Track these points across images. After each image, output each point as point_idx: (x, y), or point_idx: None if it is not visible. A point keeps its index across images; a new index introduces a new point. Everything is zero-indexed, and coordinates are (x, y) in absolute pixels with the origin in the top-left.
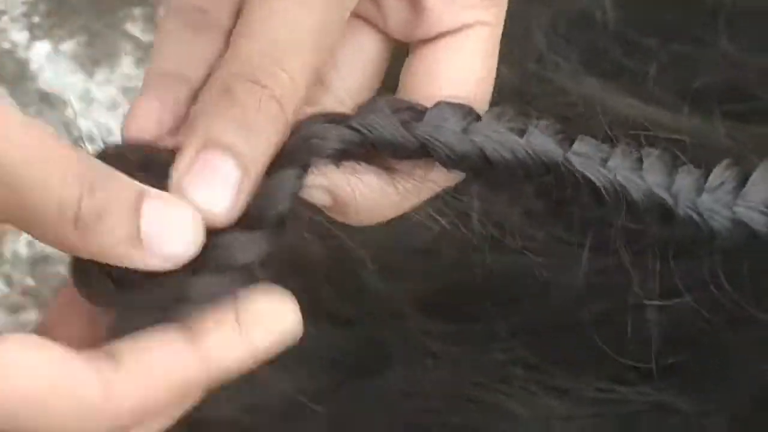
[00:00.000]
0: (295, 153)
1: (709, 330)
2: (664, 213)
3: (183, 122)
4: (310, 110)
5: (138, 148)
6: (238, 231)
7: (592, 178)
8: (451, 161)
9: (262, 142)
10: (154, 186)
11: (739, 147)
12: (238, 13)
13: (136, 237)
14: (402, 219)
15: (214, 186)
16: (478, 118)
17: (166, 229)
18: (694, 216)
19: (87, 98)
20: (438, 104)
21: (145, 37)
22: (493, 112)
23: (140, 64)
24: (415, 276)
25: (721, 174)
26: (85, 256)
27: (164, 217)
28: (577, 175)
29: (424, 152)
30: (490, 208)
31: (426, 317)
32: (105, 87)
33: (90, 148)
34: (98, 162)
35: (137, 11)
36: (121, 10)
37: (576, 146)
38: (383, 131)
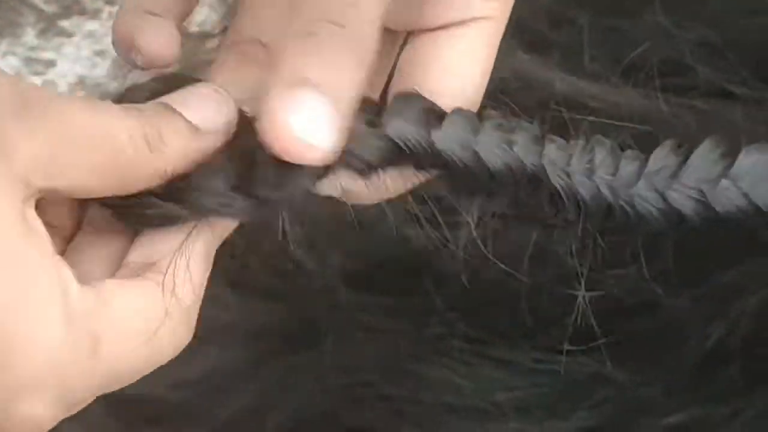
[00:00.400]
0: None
1: (646, 302)
2: (606, 208)
3: None
4: None
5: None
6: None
7: (558, 186)
8: (462, 176)
9: (351, 80)
10: None
11: (682, 123)
12: None
13: (191, 127)
14: None
15: (308, 121)
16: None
17: (206, 107)
18: (627, 207)
19: None
20: (455, 112)
21: (48, 8)
22: (493, 121)
23: (42, 35)
24: (349, 250)
25: (661, 157)
26: (163, 175)
27: (197, 100)
28: (546, 182)
29: (442, 166)
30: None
31: (361, 291)
32: (8, 57)
33: None
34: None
35: None
36: None
37: (547, 150)
38: (417, 146)
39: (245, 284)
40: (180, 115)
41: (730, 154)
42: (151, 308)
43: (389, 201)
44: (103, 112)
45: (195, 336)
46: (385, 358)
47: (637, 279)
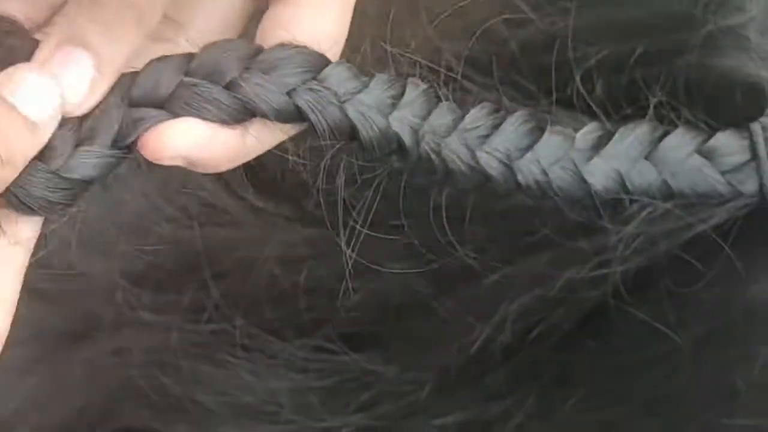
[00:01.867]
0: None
1: (414, 298)
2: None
3: None
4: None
5: None
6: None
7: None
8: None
9: (121, 48)
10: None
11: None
12: None
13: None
14: (110, 194)
15: (70, 77)
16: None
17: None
18: (433, 157)
19: None
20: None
21: None
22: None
23: None
24: (125, 251)
25: (476, 119)
26: None
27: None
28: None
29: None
30: (200, 187)
31: (139, 289)
32: None
33: None
34: None
35: None
36: None
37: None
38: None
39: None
40: (20, 117)
41: (539, 130)
42: None
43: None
44: None
45: None
46: (162, 354)
47: (408, 278)
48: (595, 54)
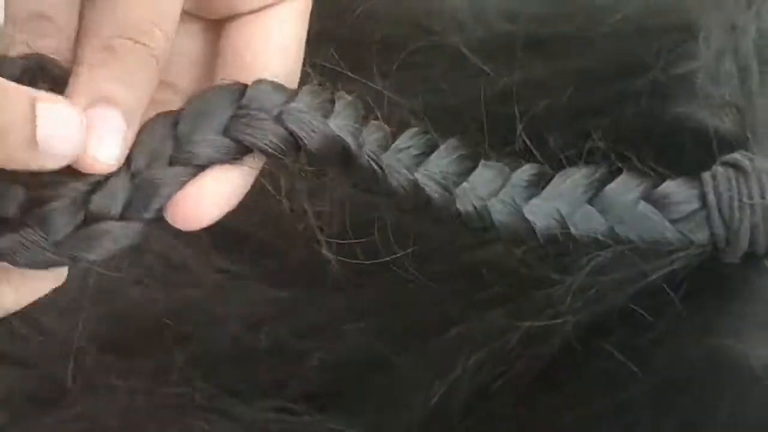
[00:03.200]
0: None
1: (374, 356)
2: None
3: None
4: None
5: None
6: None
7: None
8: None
9: (143, 96)
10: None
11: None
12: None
13: (33, 141)
14: None
15: (104, 137)
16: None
17: (60, 131)
18: (375, 166)
19: None
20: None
21: None
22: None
23: None
24: (90, 314)
25: (407, 139)
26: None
27: (57, 120)
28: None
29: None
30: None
31: (103, 354)
32: None
33: None
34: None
35: None
36: None
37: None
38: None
39: None
40: (32, 125)
41: (471, 160)
42: None
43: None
44: None
45: None
46: (129, 418)
47: (368, 336)
48: (543, 104)
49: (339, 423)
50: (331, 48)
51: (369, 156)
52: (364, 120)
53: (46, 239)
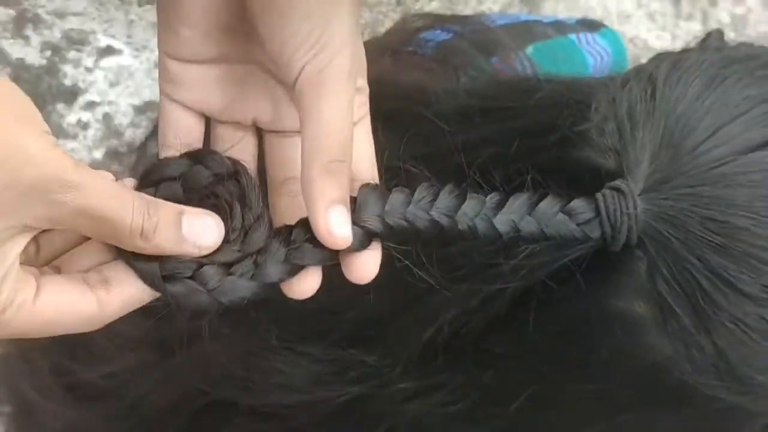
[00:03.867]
0: None
1: (387, 313)
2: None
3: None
4: None
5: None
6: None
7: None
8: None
9: (348, 193)
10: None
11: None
12: None
13: (181, 238)
14: None
15: (343, 223)
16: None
17: (200, 231)
18: (404, 223)
19: None
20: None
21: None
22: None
23: None
24: None
25: (421, 192)
26: (147, 252)
27: (198, 225)
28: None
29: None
30: None
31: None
32: None
33: None
34: (147, 196)
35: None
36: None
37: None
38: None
39: None
40: (180, 229)
41: (462, 196)
42: (81, 300)
43: None
44: (122, 198)
45: None
46: (228, 359)
47: (382, 301)
48: (490, 152)
49: (365, 354)
50: None
51: (398, 219)
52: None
53: (203, 289)
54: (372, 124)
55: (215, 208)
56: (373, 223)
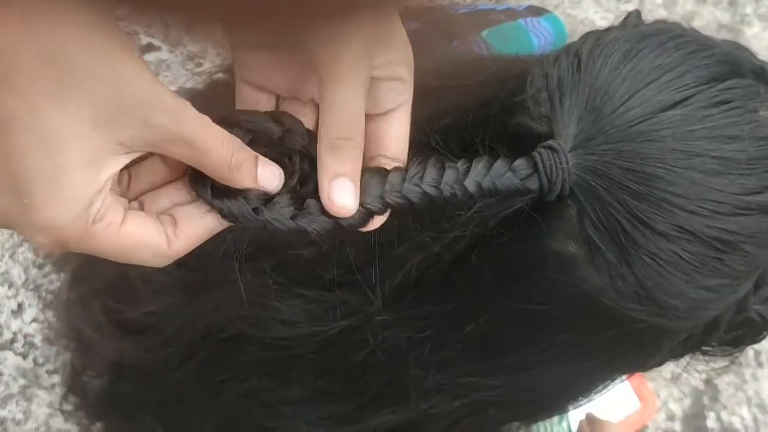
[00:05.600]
0: None
1: (363, 262)
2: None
3: None
4: None
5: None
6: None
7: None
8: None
9: (358, 169)
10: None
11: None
12: None
13: (255, 178)
14: None
15: (347, 194)
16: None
17: (269, 175)
18: (401, 201)
19: None
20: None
21: None
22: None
23: None
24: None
25: (413, 168)
26: (229, 183)
27: (268, 170)
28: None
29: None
30: None
31: (230, 261)
32: None
33: None
34: (235, 138)
35: None
36: None
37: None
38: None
39: None
40: (256, 169)
41: (442, 168)
42: (155, 236)
43: None
44: (216, 130)
45: None
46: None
47: (359, 252)
48: (448, 123)
49: (349, 295)
50: None
51: (395, 197)
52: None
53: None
54: None
55: (279, 162)
56: (375, 204)
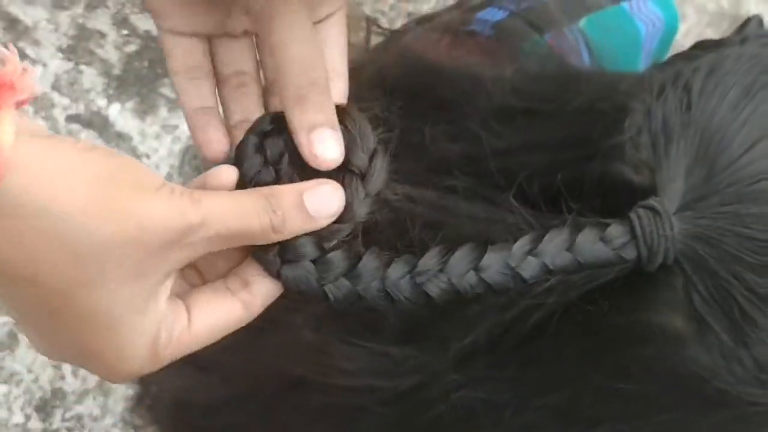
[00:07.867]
0: None
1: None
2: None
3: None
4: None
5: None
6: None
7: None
8: None
9: (333, 110)
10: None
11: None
12: None
13: (309, 217)
14: None
15: (330, 144)
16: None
17: (324, 203)
18: (402, 298)
19: (143, 134)
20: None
21: (173, 95)
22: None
23: (172, 111)
24: None
25: (430, 257)
26: (282, 239)
27: (319, 197)
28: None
29: None
30: None
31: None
32: (152, 126)
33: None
34: (266, 189)
35: (167, 80)
36: (158, 80)
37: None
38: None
39: None
40: (306, 210)
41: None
42: (231, 313)
43: None
44: (243, 208)
45: None
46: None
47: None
48: (525, 161)
49: (415, 351)
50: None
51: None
52: None
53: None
54: (423, 112)
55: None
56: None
